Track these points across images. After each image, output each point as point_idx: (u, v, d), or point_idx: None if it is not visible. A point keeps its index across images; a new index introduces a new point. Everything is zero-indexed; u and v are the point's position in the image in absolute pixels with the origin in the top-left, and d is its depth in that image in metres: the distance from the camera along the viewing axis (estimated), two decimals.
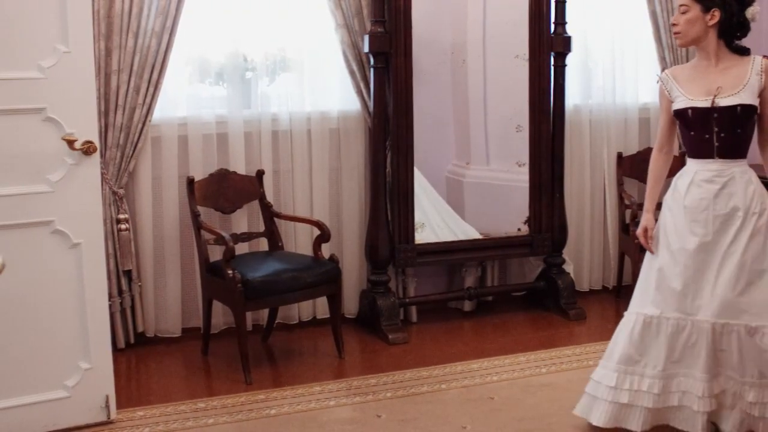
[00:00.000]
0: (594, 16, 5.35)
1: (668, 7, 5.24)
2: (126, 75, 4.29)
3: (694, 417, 3.21)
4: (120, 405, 3.67)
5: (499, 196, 5.09)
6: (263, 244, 4.67)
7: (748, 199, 3.21)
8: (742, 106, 3.19)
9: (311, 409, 3.78)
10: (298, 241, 4.82)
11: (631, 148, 5.46)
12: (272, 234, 4.61)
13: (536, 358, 4.37)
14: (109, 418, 3.57)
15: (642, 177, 4.55)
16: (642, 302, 3.36)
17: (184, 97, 4.66)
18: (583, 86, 5.40)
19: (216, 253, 4.40)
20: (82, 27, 3.36)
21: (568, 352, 4.45)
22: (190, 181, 4.37)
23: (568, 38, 5.01)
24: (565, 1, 4.98)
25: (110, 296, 4.17)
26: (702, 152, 3.28)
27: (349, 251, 4.95)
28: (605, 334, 4.05)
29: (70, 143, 3.35)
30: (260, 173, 4.63)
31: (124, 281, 4.46)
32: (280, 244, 4.60)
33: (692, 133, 3.30)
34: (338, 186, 4.93)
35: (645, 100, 5.52)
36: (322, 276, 4.27)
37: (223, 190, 4.54)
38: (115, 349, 4.24)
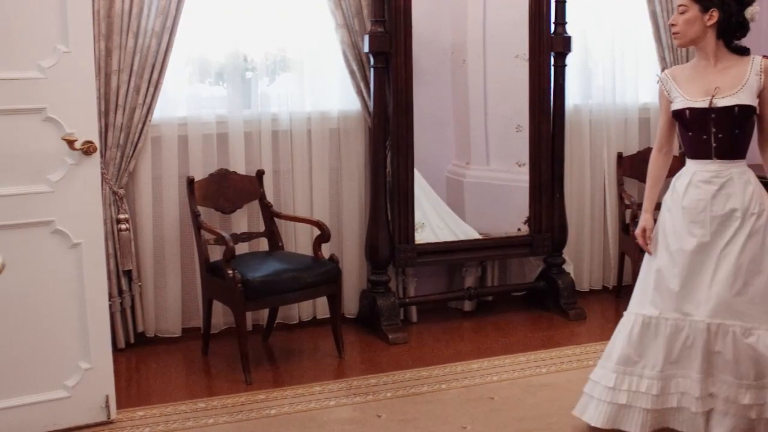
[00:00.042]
0: (594, 16, 5.35)
1: (668, 7, 5.23)
2: (126, 75, 4.29)
3: (694, 418, 3.20)
4: (120, 405, 3.67)
5: (499, 196, 5.09)
6: (263, 244, 4.67)
7: (746, 200, 3.20)
8: (740, 106, 3.18)
9: (311, 409, 3.78)
10: (298, 241, 4.82)
11: (631, 148, 5.46)
12: (272, 234, 4.61)
13: (536, 358, 4.37)
14: (109, 418, 3.57)
15: (642, 177, 4.54)
16: (641, 303, 3.35)
17: (184, 97, 4.66)
18: (583, 86, 5.40)
19: (216, 253, 4.40)
20: (82, 27, 3.36)
21: (568, 352, 4.45)
22: (190, 181, 4.37)
23: (568, 38, 5.01)
24: (565, 1, 4.97)
25: (110, 296, 4.18)
26: (700, 153, 3.27)
27: (349, 251, 4.95)
28: (605, 334, 4.04)
29: (70, 143, 3.35)
30: (260, 173, 4.63)
31: (124, 281, 4.46)
32: (280, 244, 4.60)
33: (690, 133, 3.29)
34: (338, 186, 4.94)
35: (645, 100, 5.52)
36: (322, 276, 4.27)
37: (223, 190, 4.54)
38: (115, 349, 4.24)
